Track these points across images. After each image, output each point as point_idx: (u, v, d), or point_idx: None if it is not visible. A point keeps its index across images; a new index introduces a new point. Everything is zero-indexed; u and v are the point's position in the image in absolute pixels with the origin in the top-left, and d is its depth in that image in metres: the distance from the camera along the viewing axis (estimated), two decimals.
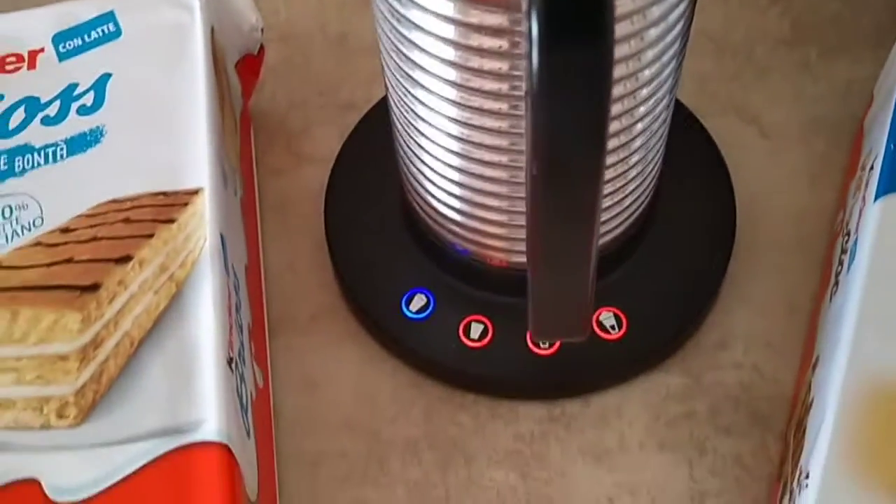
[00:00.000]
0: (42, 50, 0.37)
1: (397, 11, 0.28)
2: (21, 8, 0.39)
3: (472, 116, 0.30)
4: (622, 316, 0.35)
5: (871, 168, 0.34)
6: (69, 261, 0.32)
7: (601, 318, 0.36)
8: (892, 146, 0.33)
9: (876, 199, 0.32)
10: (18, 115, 0.36)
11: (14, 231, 0.33)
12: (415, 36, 0.29)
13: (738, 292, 0.38)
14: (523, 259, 0.34)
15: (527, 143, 0.20)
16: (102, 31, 0.37)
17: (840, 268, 0.33)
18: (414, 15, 0.28)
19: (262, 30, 0.41)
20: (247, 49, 0.41)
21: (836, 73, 0.44)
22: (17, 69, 0.37)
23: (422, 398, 0.36)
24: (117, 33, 0.37)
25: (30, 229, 0.33)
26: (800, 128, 0.43)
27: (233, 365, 0.31)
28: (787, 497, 0.30)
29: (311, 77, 0.45)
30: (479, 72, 0.28)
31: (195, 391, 0.29)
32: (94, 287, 0.31)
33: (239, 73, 0.41)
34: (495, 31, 0.27)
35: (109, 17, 0.38)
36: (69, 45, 0.37)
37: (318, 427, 0.36)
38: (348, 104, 0.44)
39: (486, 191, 0.32)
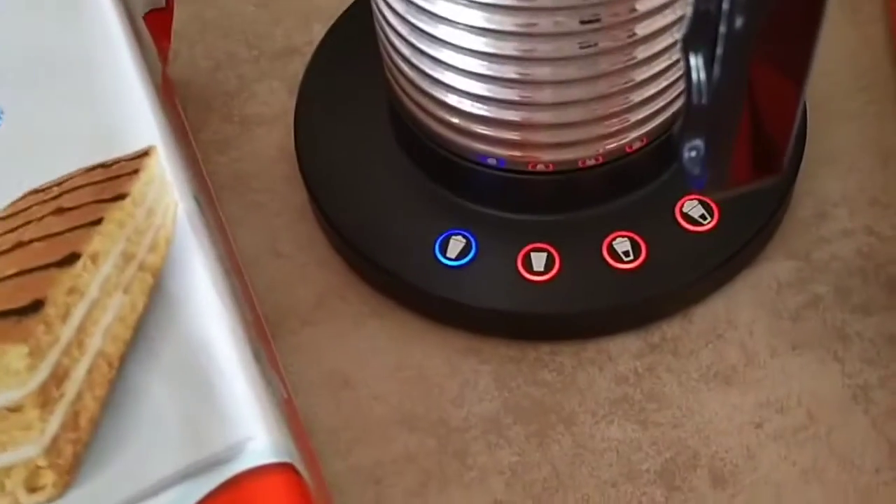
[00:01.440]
0: None
1: None
2: None
3: None
4: (710, 203, 0.29)
5: None
6: None
7: (685, 208, 0.29)
8: None
9: None
10: None
11: None
12: None
13: (819, 154, 0.32)
14: (571, 154, 0.28)
15: None
16: None
17: None
18: None
19: None
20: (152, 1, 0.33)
21: None
22: None
23: (487, 364, 0.28)
24: None
25: None
26: None
27: (260, 363, 0.22)
28: None
29: (233, 28, 0.37)
30: None
31: (224, 402, 0.20)
32: (37, 305, 0.22)
33: (149, 30, 0.32)
34: None
35: None
36: None
37: (366, 433, 0.28)
38: (287, 50, 0.36)
39: (533, 55, 0.25)
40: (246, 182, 0.33)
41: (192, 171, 0.27)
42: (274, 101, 0.35)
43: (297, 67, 0.35)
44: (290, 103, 0.34)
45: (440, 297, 0.28)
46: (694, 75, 0.17)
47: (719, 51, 0.16)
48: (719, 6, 0.15)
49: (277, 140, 0.34)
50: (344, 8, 0.35)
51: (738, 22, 0.15)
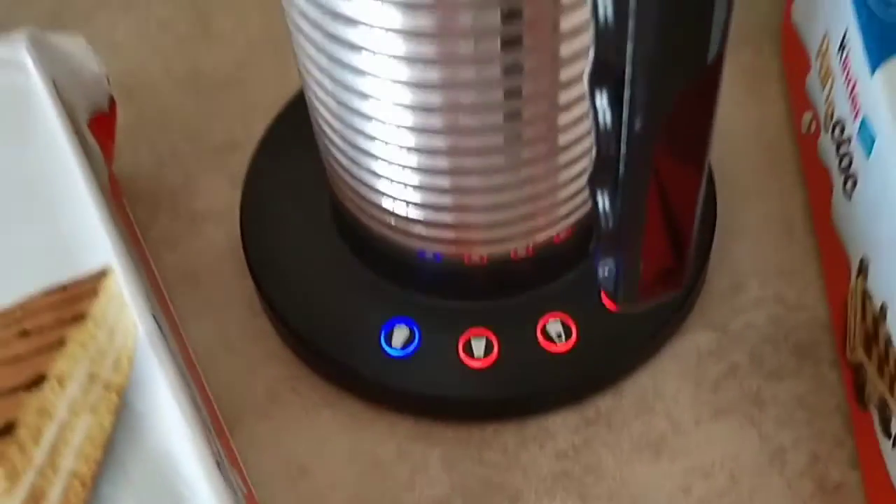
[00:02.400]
0: None
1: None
2: None
3: (432, 74, 0.24)
4: None
5: (842, 47, 0.31)
6: None
7: None
8: (862, 17, 0.30)
9: (873, 71, 0.29)
10: None
11: None
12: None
13: (730, 227, 0.34)
14: (503, 248, 0.30)
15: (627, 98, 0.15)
16: None
17: (847, 161, 0.30)
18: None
19: (109, 78, 0.34)
20: (96, 105, 0.34)
21: None
22: None
23: (435, 448, 0.30)
24: None
25: None
26: None
27: (222, 470, 0.24)
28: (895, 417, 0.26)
29: (173, 125, 0.39)
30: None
31: None
32: (9, 428, 0.23)
33: (94, 135, 0.34)
34: None
35: None
36: None
37: None
38: (229, 145, 0.38)
39: (462, 169, 0.27)
40: (196, 278, 0.34)
41: (147, 282, 0.29)
42: (219, 194, 0.36)
43: (239, 161, 0.37)
44: (235, 197, 0.35)
45: (388, 386, 0.30)
46: (601, 207, 0.19)
47: (620, 190, 0.18)
48: (618, 151, 0.18)
49: (224, 234, 0.35)
50: (281, 103, 0.37)
51: (634, 170, 0.18)
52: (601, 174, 0.19)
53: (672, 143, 0.17)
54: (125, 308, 0.25)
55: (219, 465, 0.24)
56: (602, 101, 0.17)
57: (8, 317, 0.26)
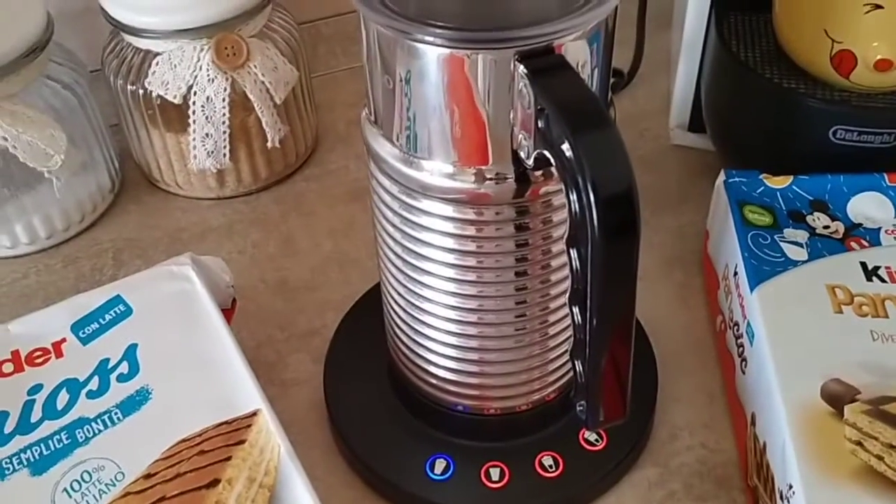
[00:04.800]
0: (64, 340, 0.43)
1: (409, 220, 0.38)
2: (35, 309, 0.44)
3: (470, 290, 0.39)
4: (602, 433, 0.45)
5: (735, 274, 0.46)
6: (162, 499, 0.37)
7: (585, 435, 0.44)
8: (746, 254, 0.46)
9: (752, 291, 0.44)
10: (63, 397, 0.41)
11: (100, 490, 0.37)
12: (424, 235, 0.38)
13: (668, 395, 0.48)
14: (511, 403, 0.43)
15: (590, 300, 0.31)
16: (115, 312, 0.44)
17: (741, 349, 0.45)
18: (423, 220, 0.37)
19: (233, 286, 0.49)
20: (223, 303, 0.48)
21: (666, 224, 0.58)
22: (46, 360, 0.42)
23: None
24: (128, 311, 0.44)
25: (114, 484, 0.38)
26: (658, 268, 0.56)
27: None
28: None
29: (267, 318, 0.53)
30: (474, 254, 0.38)
31: None
32: None
33: None
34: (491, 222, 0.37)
35: (118, 300, 0.44)
36: (88, 329, 0.43)
37: None
38: (309, 332, 0.52)
39: (485, 347, 0.41)
40: (288, 428, 0.48)
41: None
42: (303, 369, 0.50)
43: (318, 344, 0.51)
44: (314, 369, 0.49)
45: (431, 502, 0.43)
46: (577, 370, 0.33)
47: (587, 360, 0.33)
48: (586, 337, 0.32)
49: (307, 397, 0.49)
50: (346, 302, 0.52)
51: (594, 349, 0.32)
52: (577, 350, 0.33)
53: (614, 335, 0.32)
54: (271, 435, 0.39)
55: None
56: (576, 310, 0.32)
57: (191, 442, 0.39)
